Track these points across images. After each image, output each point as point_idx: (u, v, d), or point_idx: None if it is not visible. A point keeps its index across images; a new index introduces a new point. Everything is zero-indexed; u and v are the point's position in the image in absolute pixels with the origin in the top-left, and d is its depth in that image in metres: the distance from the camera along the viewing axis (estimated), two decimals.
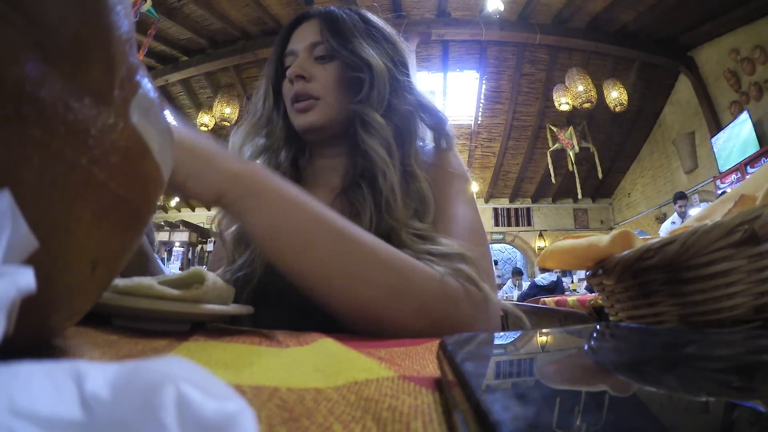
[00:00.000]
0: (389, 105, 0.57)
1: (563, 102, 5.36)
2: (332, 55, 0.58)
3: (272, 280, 0.52)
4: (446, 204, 0.56)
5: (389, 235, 0.51)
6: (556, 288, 4.53)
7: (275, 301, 0.51)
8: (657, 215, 6.95)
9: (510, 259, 10.21)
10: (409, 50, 0.64)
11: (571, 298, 2.44)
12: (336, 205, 0.57)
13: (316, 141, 0.63)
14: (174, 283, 0.31)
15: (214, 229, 0.59)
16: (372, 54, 0.58)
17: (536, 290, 4.52)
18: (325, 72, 0.58)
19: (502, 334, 0.25)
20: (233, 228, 0.58)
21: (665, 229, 4.38)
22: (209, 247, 7.01)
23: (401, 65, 0.61)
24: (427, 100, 0.62)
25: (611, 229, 4.29)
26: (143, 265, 0.59)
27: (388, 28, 0.64)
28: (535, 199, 8.51)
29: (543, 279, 4.66)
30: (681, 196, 4.57)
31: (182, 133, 0.36)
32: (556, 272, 4.74)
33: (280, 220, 0.38)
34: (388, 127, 0.56)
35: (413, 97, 0.60)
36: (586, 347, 0.21)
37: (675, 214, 4.59)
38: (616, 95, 5.26)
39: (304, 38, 0.60)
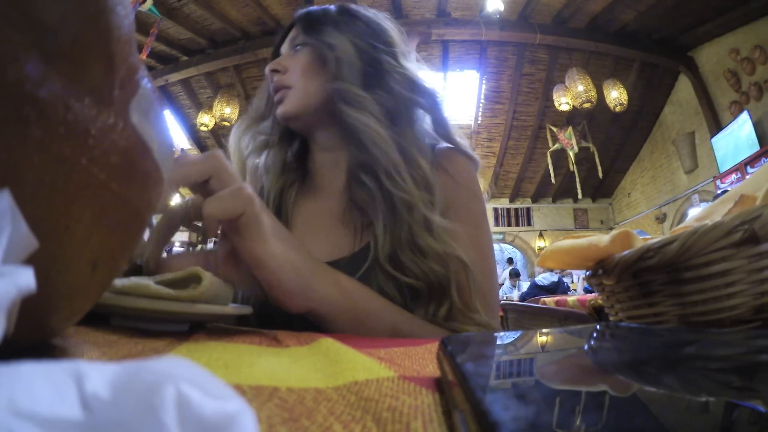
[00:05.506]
0: (373, 84, 0.57)
1: (563, 102, 5.36)
2: (303, 44, 0.61)
3: None
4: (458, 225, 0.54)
5: (405, 236, 0.50)
6: (557, 289, 4.43)
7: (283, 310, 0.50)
8: (657, 215, 6.95)
9: (510, 258, 10.19)
10: (398, 30, 0.65)
11: (571, 298, 2.44)
12: (348, 220, 0.57)
13: (306, 131, 0.63)
14: (171, 282, 0.31)
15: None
16: (335, 35, 0.59)
17: (536, 290, 4.43)
18: (295, 61, 0.61)
19: (502, 334, 0.25)
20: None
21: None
22: (210, 247, 6.98)
23: (384, 44, 0.61)
24: (415, 75, 0.61)
25: (611, 229, 4.28)
26: None
27: (370, 13, 0.65)
28: (535, 199, 8.51)
29: (544, 279, 4.57)
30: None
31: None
32: (556, 272, 4.69)
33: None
34: (373, 101, 0.56)
35: (400, 74, 0.59)
36: (586, 347, 0.21)
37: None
38: (616, 95, 5.26)
39: (290, 41, 0.64)
